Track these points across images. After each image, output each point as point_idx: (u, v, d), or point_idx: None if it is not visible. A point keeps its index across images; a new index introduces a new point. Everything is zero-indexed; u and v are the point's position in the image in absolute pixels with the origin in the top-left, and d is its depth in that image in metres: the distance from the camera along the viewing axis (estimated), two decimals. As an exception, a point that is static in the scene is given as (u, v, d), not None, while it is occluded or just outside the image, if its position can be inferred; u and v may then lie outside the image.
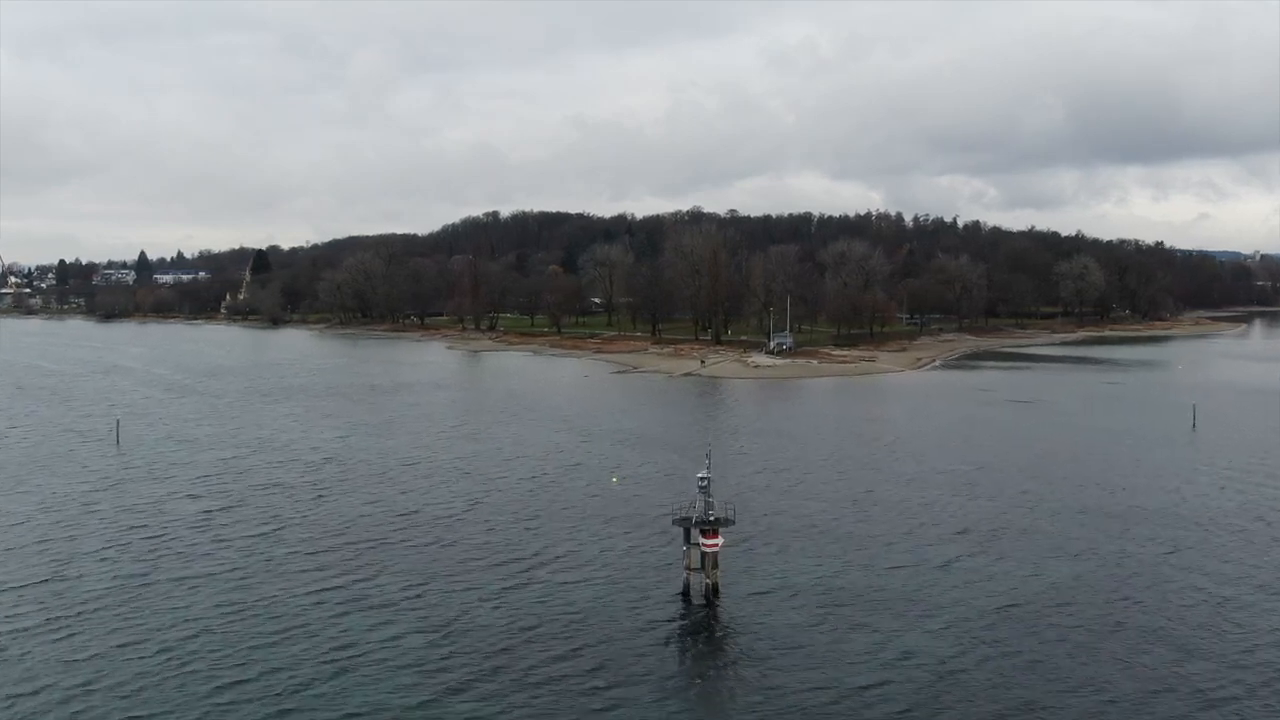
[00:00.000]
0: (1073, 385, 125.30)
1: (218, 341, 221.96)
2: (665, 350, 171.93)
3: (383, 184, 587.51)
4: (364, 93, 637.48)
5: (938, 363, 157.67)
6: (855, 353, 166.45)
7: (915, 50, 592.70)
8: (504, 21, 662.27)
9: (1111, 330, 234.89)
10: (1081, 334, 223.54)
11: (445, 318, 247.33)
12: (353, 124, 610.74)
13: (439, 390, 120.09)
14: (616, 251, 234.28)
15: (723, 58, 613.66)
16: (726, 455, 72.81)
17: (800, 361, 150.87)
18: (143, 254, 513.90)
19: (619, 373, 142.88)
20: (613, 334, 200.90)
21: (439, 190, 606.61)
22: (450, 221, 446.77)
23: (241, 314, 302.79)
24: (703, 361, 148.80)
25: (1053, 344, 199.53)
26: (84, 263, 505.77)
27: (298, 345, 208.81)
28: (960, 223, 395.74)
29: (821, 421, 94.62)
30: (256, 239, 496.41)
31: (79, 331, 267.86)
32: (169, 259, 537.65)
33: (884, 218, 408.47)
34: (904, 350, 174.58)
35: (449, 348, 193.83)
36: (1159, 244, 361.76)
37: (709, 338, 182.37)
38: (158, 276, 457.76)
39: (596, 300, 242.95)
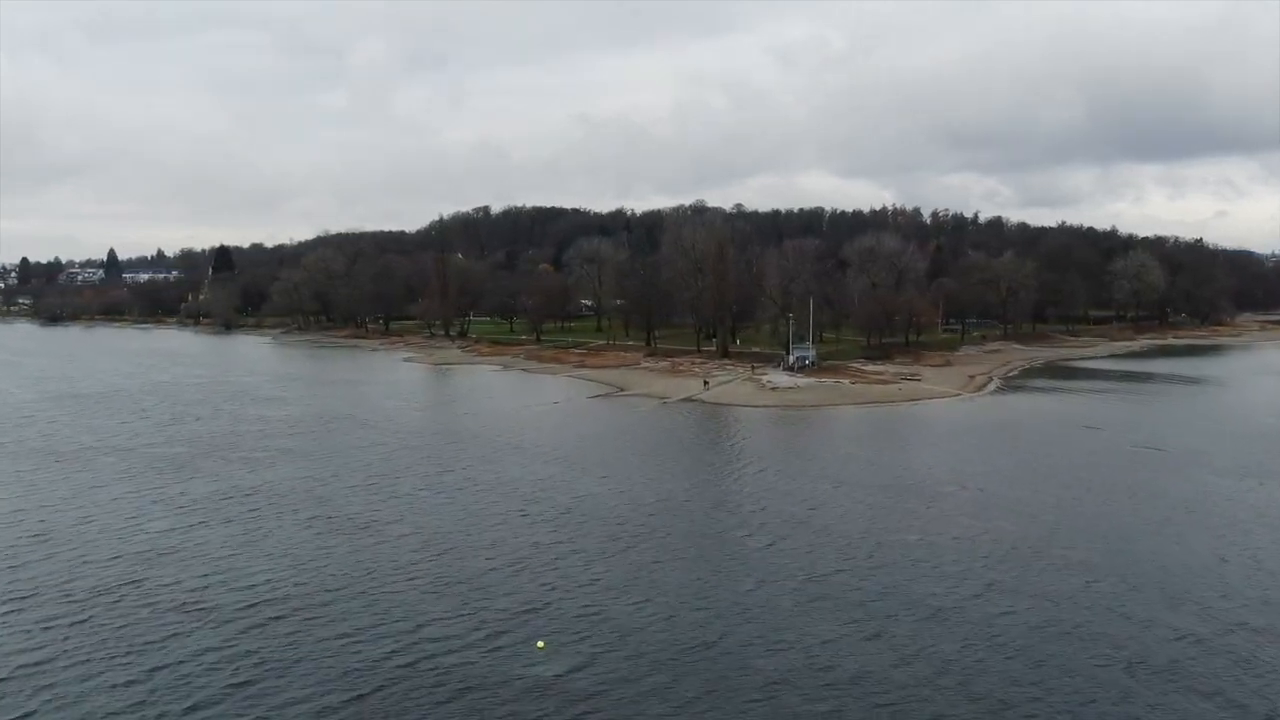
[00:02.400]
0: (1194, 417, 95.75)
1: (149, 351, 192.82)
2: (660, 364, 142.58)
3: (385, 183, 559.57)
4: (365, 91, 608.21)
5: (996, 382, 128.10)
6: (892, 368, 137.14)
7: (924, 47, 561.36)
8: (506, 19, 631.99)
9: (1175, 337, 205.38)
10: (1143, 342, 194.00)
11: (414, 322, 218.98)
12: (354, 123, 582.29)
13: (362, 432, 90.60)
14: (606, 247, 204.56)
15: (728, 55, 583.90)
16: (752, 593, 43.51)
17: (827, 381, 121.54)
18: (112, 252, 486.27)
19: (601, 397, 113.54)
20: (601, 343, 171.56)
21: (442, 190, 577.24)
22: (439, 217, 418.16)
23: (193, 317, 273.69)
24: (706, 382, 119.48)
25: (1116, 355, 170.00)
26: (61, 261, 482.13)
27: (235, 356, 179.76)
28: (982, 218, 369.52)
29: (886, 490, 64.88)
30: (258, 239, 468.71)
31: (5, 337, 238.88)
32: (150, 257, 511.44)
33: (900, 213, 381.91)
34: (948, 364, 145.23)
35: (406, 360, 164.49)
36: (1198, 241, 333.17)
37: (713, 349, 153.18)
38: (128, 276, 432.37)
39: (587, 302, 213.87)
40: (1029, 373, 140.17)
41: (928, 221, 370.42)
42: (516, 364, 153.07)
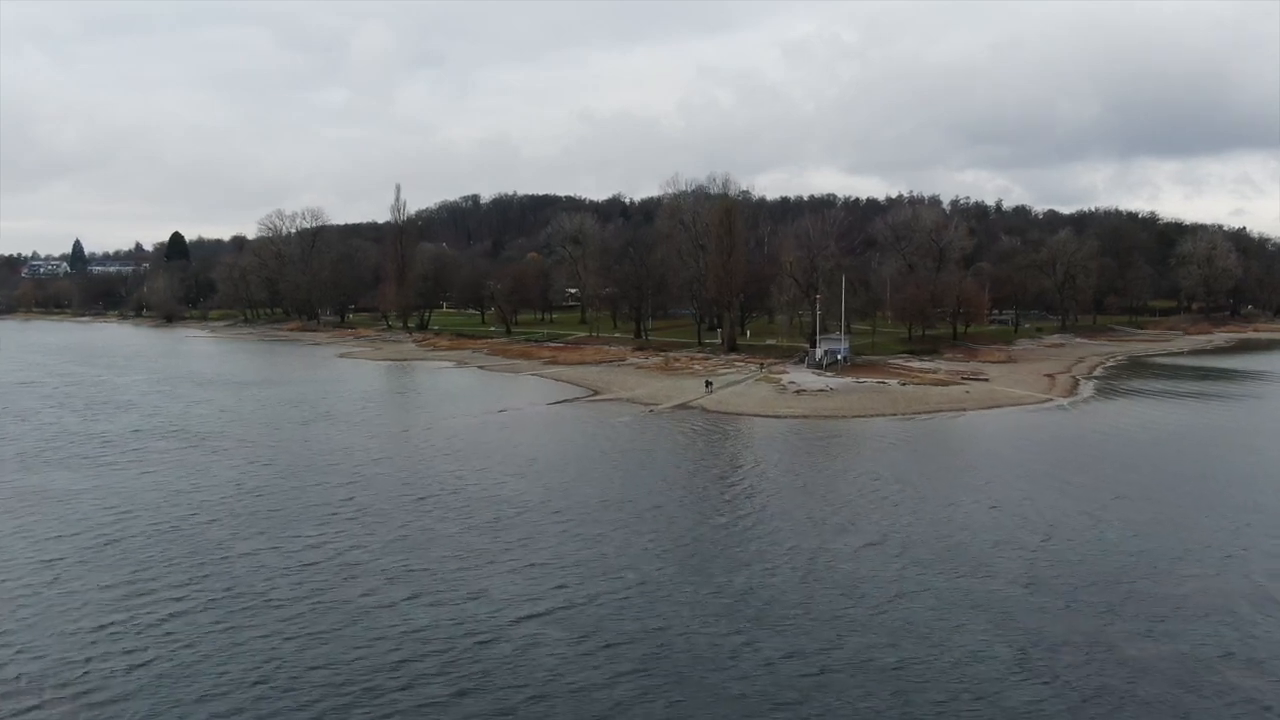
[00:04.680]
0: None
1: (57, 345, 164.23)
2: (651, 360, 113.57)
3: (388, 179, 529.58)
4: (368, 88, 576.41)
5: (1088, 383, 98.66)
6: (945, 365, 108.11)
7: (935, 43, 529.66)
8: (509, 16, 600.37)
9: (1255, 331, 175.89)
10: (1222, 336, 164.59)
11: (373, 314, 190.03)
12: (356, 120, 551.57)
13: (199, 458, 61.97)
14: (591, 223, 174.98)
15: (735, 52, 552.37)
16: None
17: (868, 382, 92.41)
18: (77, 244, 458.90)
19: (567, 402, 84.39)
20: (582, 335, 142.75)
21: (446, 186, 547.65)
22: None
23: (135, 309, 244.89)
24: (708, 383, 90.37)
25: (1203, 350, 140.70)
26: (40, 255, 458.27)
27: (149, 351, 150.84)
28: (1004, 206, 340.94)
29: (1073, 596, 35.70)
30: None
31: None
32: (126, 251, 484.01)
33: (918, 202, 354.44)
34: (1010, 360, 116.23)
35: (342, 355, 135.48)
36: (1241, 230, 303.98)
37: (718, 341, 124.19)
38: (94, 269, 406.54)
39: (573, 291, 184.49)
40: (1116, 372, 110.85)
41: (947, 209, 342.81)
42: (475, 360, 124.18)
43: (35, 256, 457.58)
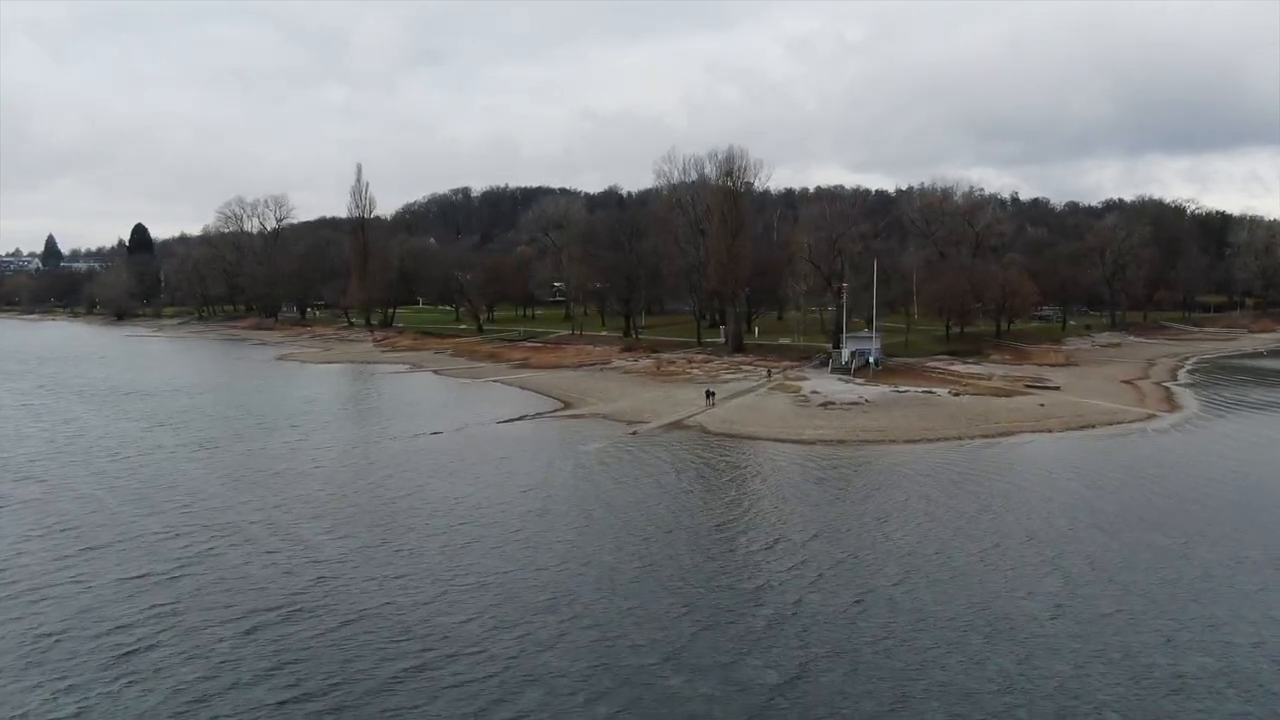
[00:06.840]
0: None
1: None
2: (641, 363, 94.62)
3: (388, 177, 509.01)
4: (369, 86, 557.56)
5: (1189, 397, 79.35)
6: (997, 369, 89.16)
7: (940, 40, 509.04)
8: (510, 13, 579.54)
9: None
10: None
11: (340, 310, 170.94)
12: (357, 117, 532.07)
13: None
14: (576, 208, 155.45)
15: (739, 49, 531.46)
16: None
17: (909, 390, 73.44)
18: (50, 240, 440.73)
19: (528, 420, 65.32)
20: (564, 333, 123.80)
21: (447, 184, 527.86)
22: (414, 199, 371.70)
23: (87, 307, 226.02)
24: (710, 393, 71.12)
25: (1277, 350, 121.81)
26: (23, 253, 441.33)
27: (65, 352, 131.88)
28: (1022, 197, 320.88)
29: None
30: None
31: None
32: (106, 248, 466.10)
33: (929, 193, 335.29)
34: (1070, 363, 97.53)
35: (281, 358, 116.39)
36: (1274, 222, 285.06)
37: (721, 340, 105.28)
38: (66, 265, 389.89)
39: (558, 285, 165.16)
40: (1202, 377, 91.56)
41: (959, 201, 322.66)
42: (434, 362, 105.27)
43: (18, 254, 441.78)
